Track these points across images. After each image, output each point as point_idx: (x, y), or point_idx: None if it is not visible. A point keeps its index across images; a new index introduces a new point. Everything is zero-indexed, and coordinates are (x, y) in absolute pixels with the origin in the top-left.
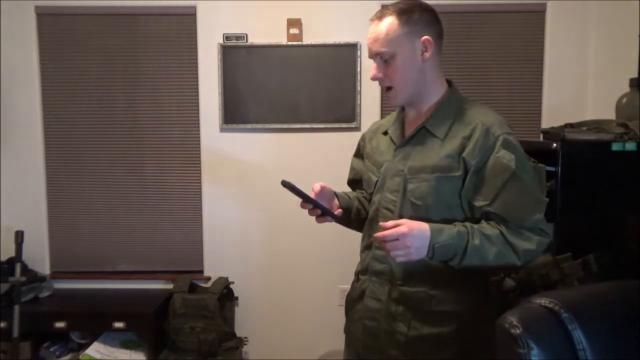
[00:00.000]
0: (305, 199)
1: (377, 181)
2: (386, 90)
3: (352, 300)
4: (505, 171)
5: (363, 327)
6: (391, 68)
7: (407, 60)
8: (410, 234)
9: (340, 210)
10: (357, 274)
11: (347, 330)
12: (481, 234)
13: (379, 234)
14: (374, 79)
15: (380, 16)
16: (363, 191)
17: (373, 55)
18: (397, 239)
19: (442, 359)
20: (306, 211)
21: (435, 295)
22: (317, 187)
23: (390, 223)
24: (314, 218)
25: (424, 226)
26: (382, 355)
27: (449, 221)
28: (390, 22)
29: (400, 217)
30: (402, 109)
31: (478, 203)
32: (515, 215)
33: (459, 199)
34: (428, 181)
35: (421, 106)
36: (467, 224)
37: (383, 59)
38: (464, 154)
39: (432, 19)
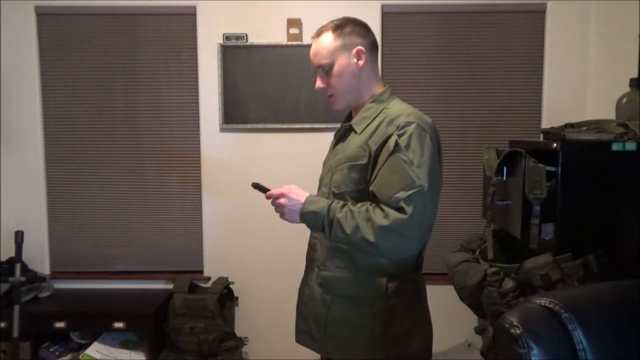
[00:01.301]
0: None
1: (320, 177)
2: (328, 97)
3: (300, 288)
4: (387, 151)
5: (298, 311)
6: (331, 77)
7: (344, 68)
8: (287, 195)
9: None
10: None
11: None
12: (348, 210)
13: (268, 192)
14: (318, 89)
15: (318, 34)
16: None
17: (315, 68)
18: (277, 198)
19: (355, 344)
20: None
21: (351, 281)
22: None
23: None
24: None
25: (303, 194)
26: (309, 338)
27: None
28: (326, 37)
29: None
30: (350, 114)
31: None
32: (383, 192)
33: (369, 186)
34: (342, 171)
35: (357, 104)
36: (348, 203)
37: (324, 70)
38: (369, 142)
39: (363, 31)
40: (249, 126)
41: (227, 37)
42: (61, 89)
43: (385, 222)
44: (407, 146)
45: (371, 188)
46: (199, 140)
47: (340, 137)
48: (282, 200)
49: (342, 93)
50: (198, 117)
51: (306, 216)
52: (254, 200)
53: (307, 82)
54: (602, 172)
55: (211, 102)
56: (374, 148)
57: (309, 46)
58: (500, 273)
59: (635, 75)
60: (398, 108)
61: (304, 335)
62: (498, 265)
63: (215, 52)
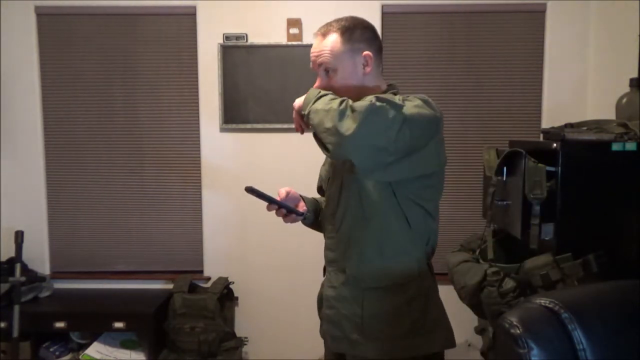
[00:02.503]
0: (270, 201)
1: (329, 178)
2: None
3: (320, 298)
4: None
5: (326, 318)
6: (334, 80)
7: (349, 74)
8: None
9: (305, 207)
10: (324, 269)
11: (320, 329)
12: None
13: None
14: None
15: (324, 32)
16: None
17: (316, 67)
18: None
19: (397, 336)
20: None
21: (380, 271)
22: (282, 192)
23: None
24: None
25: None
26: (346, 342)
27: (380, 201)
28: (333, 39)
29: (341, 204)
30: None
31: None
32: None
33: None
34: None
35: None
36: None
37: (325, 71)
38: None
39: (372, 36)
40: (249, 126)
41: (227, 37)
42: (61, 89)
43: (350, 102)
44: (404, 97)
45: None
46: (199, 140)
47: None
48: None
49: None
50: (198, 117)
51: (310, 92)
52: (254, 200)
53: (307, 82)
54: (602, 172)
55: (211, 102)
56: None
57: (309, 46)
58: (500, 273)
59: (635, 75)
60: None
61: (339, 342)
62: (498, 265)
63: (215, 52)
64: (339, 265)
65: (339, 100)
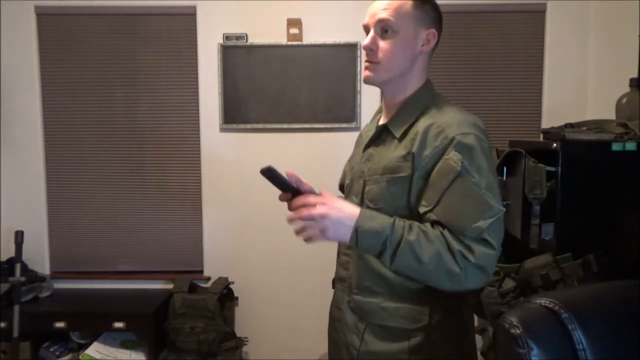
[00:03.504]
0: (285, 186)
1: (347, 184)
2: (368, 63)
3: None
4: (450, 172)
5: (330, 339)
6: (387, 43)
7: (406, 43)
8: (329, 204)
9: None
10: (333, 282)
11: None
12: (420, 231)
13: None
14: (367, 47)
15: None
16: None
17: (374, 23)
18: (312, 205)
19: None
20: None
21: (387, 309)
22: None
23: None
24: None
25: (350, 205)
26: None
27: None
28: (404, 1)
29: None
30: (379, 110)
31: (421, 209)
32: (456, 222)
33: (407, 202)
34: (379, 183)
35: (395, 95)
36: (411, 221)
37: (383, 30)
38: (413, 149)
39: (440, 22)
40: (249, 126)
41: (227, 37)
42: (61, 89)
43: (470, 257)
44: (471, 165)
45: (434, 215)
46: (199, 140)
47: (374, 139)
48: (323, 210)
49: (389, 66)
50: (198, 117)
51: (363, 235)
52: (254, 200)
53: (307, 82)
54: (602, 172)
55: (211, 102)
56: (421, 162)
57: (309, 46)
58: (500, 273)
59: (635, 75)
60: (444, 110)
61: None
62: (498, 265)
63: (215, 52)
64: (347, 287)
65: (447, 253)
